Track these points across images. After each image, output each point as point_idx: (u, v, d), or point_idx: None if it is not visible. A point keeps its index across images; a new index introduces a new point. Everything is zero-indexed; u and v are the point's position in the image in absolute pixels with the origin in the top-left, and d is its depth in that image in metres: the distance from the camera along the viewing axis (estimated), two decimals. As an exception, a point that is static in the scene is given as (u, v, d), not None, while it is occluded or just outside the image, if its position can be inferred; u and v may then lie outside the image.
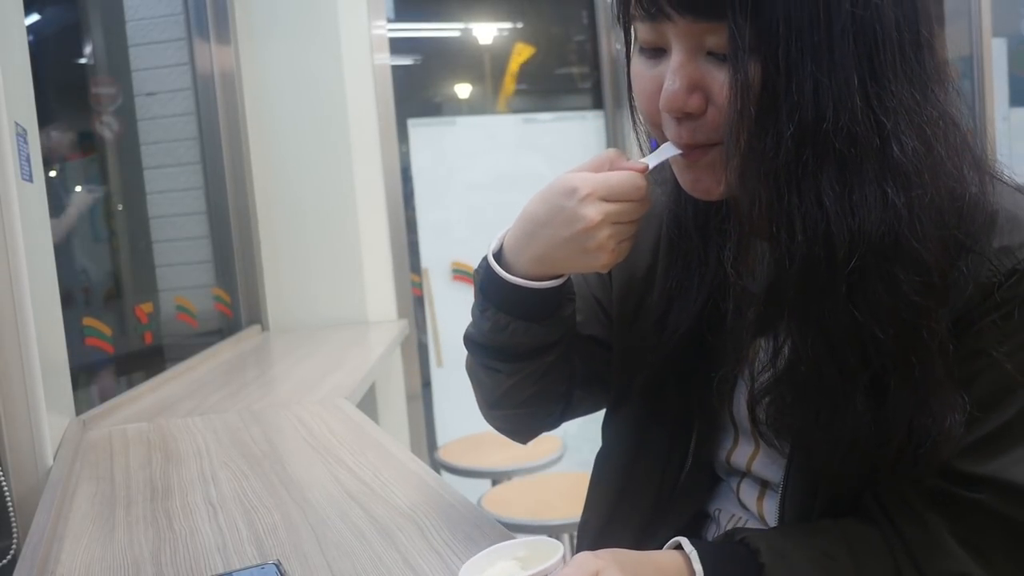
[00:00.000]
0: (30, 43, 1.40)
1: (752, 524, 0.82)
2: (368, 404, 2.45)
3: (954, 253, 0.64)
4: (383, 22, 2.67)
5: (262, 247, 2.63)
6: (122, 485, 1.13)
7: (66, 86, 2.31)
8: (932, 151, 0.62)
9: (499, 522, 0.89)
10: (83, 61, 2.41)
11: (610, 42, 3.10)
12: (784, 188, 0.61)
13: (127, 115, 2.48)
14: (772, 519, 0.79)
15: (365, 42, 2.62)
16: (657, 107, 0.66)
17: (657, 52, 0.66)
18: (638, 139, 0.75)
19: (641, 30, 0.66)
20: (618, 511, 0.88)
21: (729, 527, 0.84)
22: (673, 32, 0.63)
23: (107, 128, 2.39)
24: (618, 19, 0.69)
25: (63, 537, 0.95)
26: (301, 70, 2.60)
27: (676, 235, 0.79)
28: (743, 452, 0.81)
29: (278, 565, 0.79)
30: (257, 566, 0.80)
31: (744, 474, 0.83)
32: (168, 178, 2.56)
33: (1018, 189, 0.69)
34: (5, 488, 1.13)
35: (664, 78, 0.64)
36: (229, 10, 2.54)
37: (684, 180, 0.70)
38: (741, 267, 0.71)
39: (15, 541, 1.11)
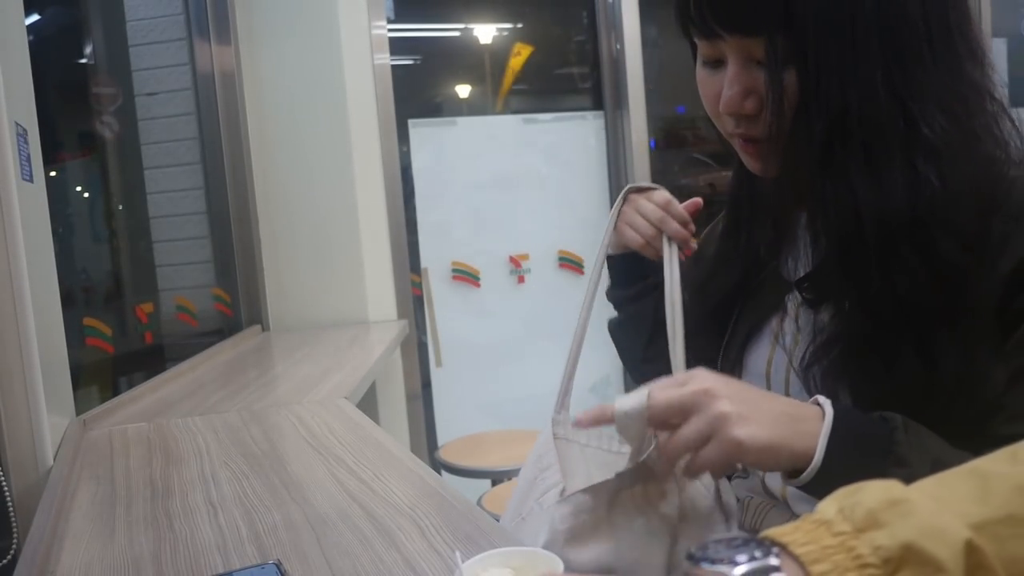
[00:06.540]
0: (30, 43, 1.40)
1: (779, 510, 0.85)
2: (368, 404, 2.45)
3: (990, 213, 0.69)
4: (383, 22, 2.67)
5: (262, 247, 2.63)
6: (122, 485, 1.13)
7: (66, 86, 2.31)
8: (961, 125, 0.70)
9: (499, 522, 0.89)
10: (83, 61, 2.41)
11: (610, 42, 3.10)
12: (817, 173, 0.71)
13: (127, 115, 2.48)
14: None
15: (365, 42, 2.62)
16: (718, 108, 0.77)
17: (717, 63, 0.77)
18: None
19: (701, 46, 0.77)
20: None
21: (757, 511, 0.87)
22: (726, 47, 0.74)
23: (107, 128, 2.39)
24: (683, 34, 0.81)
25: (63, 537, 0.95)
26: (301, 70, 2.60)
27: (732, 206, 0.92)
28: None
29: (278, 565, 0.79)
30: (257, 566, 0.80)
31: None
32: (168, 178, 2.56)
33: None
34: (5, 488, 1.13)
35: (723, 84, 0.75)
36: (229, 10, 2.54)
37: (746, 163, 0.81)
38: (781, 246, 0.85)
39: (15, 541, 1.11)
